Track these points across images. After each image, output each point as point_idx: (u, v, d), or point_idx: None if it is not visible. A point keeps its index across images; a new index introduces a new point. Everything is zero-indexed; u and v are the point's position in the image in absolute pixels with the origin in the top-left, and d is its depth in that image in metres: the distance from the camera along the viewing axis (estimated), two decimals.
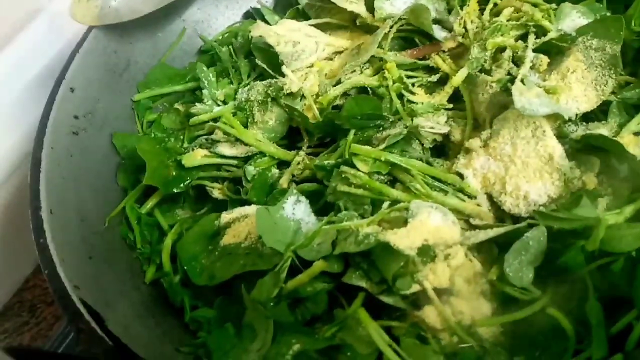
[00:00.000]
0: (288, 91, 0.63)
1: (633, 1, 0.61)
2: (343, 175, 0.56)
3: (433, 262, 0.50)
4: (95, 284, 0.54)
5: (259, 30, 0.68)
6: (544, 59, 0.58)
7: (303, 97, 0.64)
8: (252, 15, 0.81)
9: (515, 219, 0.54)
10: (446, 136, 0.61)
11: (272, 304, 0.51)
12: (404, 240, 0.49)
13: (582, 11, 0.60)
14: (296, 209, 0.56)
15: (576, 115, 0.56)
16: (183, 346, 0.54)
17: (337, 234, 0.53)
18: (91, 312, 0.48)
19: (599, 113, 0.58)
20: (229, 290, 0.57)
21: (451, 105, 0.61)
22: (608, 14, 0.61)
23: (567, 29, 0.59)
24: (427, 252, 0.50)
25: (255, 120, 0.64)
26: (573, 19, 0.60)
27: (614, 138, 0.53)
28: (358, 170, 0.55)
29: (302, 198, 0.57)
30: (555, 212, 0.50)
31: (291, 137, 0.67)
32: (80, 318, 0.47)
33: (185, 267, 0.59)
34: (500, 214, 0.55)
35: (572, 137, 0.54)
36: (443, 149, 0.62)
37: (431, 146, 0.60)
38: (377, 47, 0.64)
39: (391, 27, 0.65)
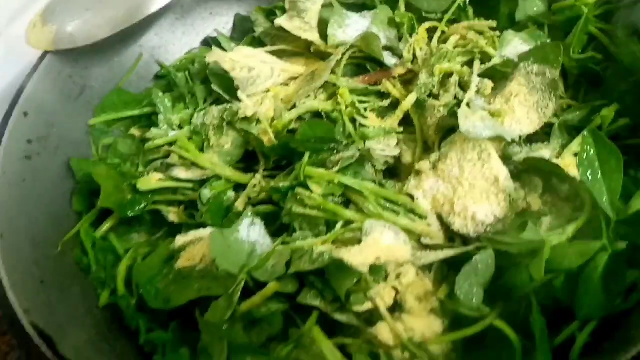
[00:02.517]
0: (243, 115, 0.64)
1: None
2: (298, 197, 0.57)
3: (385, 280, 0.52)
4: (47, 308, 0.53)
5: (214, 56, 0.69)
6: (489, 84, 0.61)
7: (258, 121, 0.65)
8: (210, 42, 0.82)
9: (465, 238, 0.56)
10: (398, 158, 0.63)
11: (226, 326, 0.52)
12: (357, 257, 0.50)
13: (524, 38, 0.63)
14: (251, 231, 0.57)
15: (520, 137, 0.58)
16: None
17: (292, 254, 0.54)
18: (42, 335, 0.48)
19: (543, 134, 0.60)
20: (186, 314, 0.57)
21: (402, 129, 0.63)
22: (548, 41, 0.64)
23: (510, 55, 0.62)
24: (379, 271, 0.52)
25: (211, 145, 0.65)
26: (515, 46, 0.63)
27: (556, 159, 0.56)
28: (312, 192, 0.57)
29: (257, 220, 0.57)
30: (502, 237, 0.52)
31: (248, 160, 0.67)
32: (31, 342, 0.47)
33: (140, 291, 0.59)
34: (451, 234, 0.57)
35: (515, 159, 0.56)
36: (395, 171, 0.64)
37: (383, 168, 0.62)
38: (331, 73, 0.66)
39: (344, 54, 0.67)
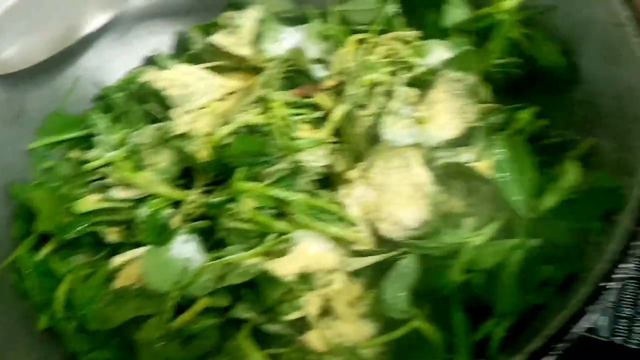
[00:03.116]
0: (175, 133, 0.65)
1: None
2: (230, 212, 0.59)
3: (314, 288, 0.53)
4: None
5: (148, 75, 0.71)
6: (413, 92, 0.63)
7: (194, 138, 0.67)
8: (150, 61, 0.83)
9: (393, 243, 0.58)
10: (331, 168, 0.65)
11: (162, 343, 0.53)
12: (284, 267, 0.52)
13: (447, 46, 0.66)
14: (185, 248, 0.58)
15: (444, 142, 0.61)
16: None
17: (223, 268, 0.55)
18: None
19: (468, 138, 0.63)
20: (125, 333, 0.58)
21: (334, 139, 0.65)
22: (470, 48, 0.66)
23: (433, 63, 0.65)
24: (307, 280, 0.53)
25: (147, 163, 0.66)
26: (439, 54, 0.65)
27: (475, 162, 0.58)
28: (245, 205, 0.58)
29: (192, 236, 0.59)
30: (424, 242, 0.54)
31: (189, 176, 0.69)
32: None
33: (79, 313, 0.59)
34: (380, 239, 0.59)
35: (437, 165, 0.58)
36: (329, 180, 0.66)
37: (317, 178, 0.64)
38: (265, 87, 0.68)
39: (276, 68, 0.68)
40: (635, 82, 0.52)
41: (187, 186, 0.67)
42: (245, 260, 0.54)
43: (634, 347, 0.69)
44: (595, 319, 0.72)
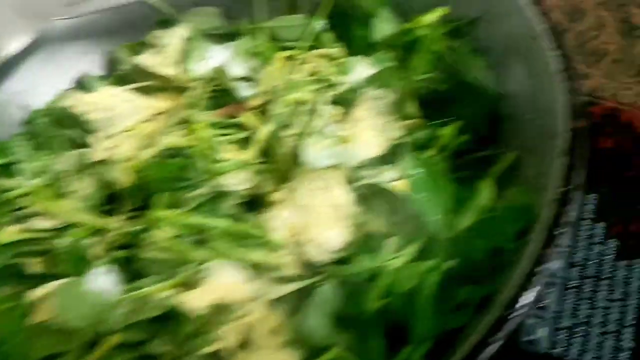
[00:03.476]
0: (93, 160, 0.63)
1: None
2: (148, 241, 0.57)
3: (229, 320, 0.52)
4: None
5: (70, 99, 0.69)
6: (337, 110, 0.62)
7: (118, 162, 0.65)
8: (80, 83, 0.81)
9: (318, 267, 0.57)
10: (257, 190, 0.64)
11: None
12: (196, 300, 0.50)
13: (369, 63, 0.65)
14: (103, 280, 0.56)
15: (367, 160, 0.60)
16: None
17: (138, 301, 0.53)
18: None
19: (392, 156, 0.62)
20: None
21: (259, 160, 0.64)
22: (392, 64, 0.65)
23: (357, 80, 0.64)
24: (223, 311, 0.52)
25: (69, 190, 0.64)
26: (361, 71, 0.64)
27: (396, 181, 0.57)
28: (162, 234, 0.57)
29: (110, 268, 0.57)
30: (344, 267, 0.53)
31: (119, 201, 0.67)
32: None
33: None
34: (305, 263, 0.58)
35: (359, 185, 0.57)
36: (256, 203, 0.64)
37: (243, 201, 0.63)
38: (189, 108, 0.66)
39: (201, 88, 0.67)
40: (550, 98, 0.52)
41: (114, 212, 0.66)
42: (159, 292, 0.53)
43: (573, 358, 0.69)
44: (536, 331, 0.72)
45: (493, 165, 0.59)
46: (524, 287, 0.41)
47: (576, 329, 0.71)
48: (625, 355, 0.68)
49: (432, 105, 0.65)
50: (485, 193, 0.51)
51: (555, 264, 0.41)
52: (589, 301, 0.73)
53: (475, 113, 0.63)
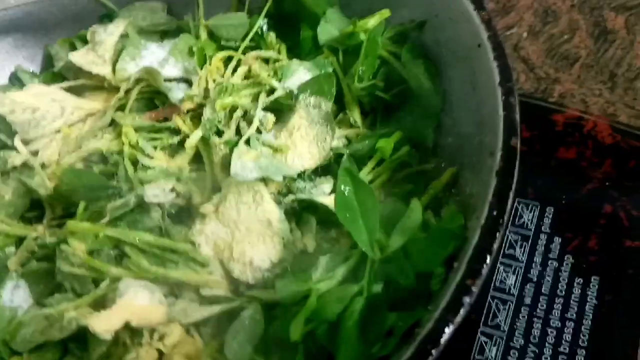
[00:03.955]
0: (12, 165, 0.59)
1: None
2: (65, 254, 0.53)
3: (143, 344, 0.48)
4: None
5: None
6: (270, 118, 0.58)
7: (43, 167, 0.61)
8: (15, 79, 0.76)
9: (246, 286, 0.54)
10: (188, 200, 0.60)
11: None
12: (104, 323, 0.47)
13: (308, 67, 0.61)
14: (15, 295, 0.53)
15: (302, 172, 0.56)
16: None
17: (47, 320, 0.50)
18: None
19: (334, 165, 0.58)
20: None
21: (189, 168, 0.60)
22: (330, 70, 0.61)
23: (293, 86, 0.60)
24: (137, 333, 0.48)
25: None
26: (299, 77, 0.60)
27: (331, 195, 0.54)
28: (77, 248, 0.53)
29: (22, 283, 0.54)
30: (269, 291, 0.50)
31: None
32: None
33: None
34: (235, 281, 0.54)
35: (287, 199, 0.54)
36: (189, 213, 0.61)
37: (172, 212, 0.59)
38: (117, 109, 0.62)
39: (131, 88, 0.63)
40: (490, 112, 0.48)
41: (40, 219, 0.62)
42: (68, 312, 0.49)
43: None
44: (486, 350, 0.69)
45: (434, 180, 0.56)
46: (443, 320, 0.38)
47: (529, 349, 0.68)
48: None
49: (375, 113, 0.62)
50: (415, 213, 0.47)
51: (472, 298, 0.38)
52: (542, 320, 0.70)
53: (419, 123, 0.60)
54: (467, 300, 0.39)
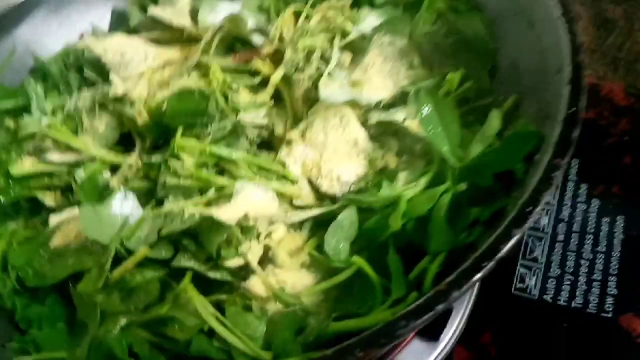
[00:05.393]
0: (114, 96, 0.65)
1: None
2: (171, 169, 0.59)
3: (256, 237, 0.54)
4: None
5: (85, 42, 0.70)
6: (347, 56, 0.65)
7: (132, 102, 0.67)
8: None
9: (333, 198, 0.60)
10: (271, 132, 0.66)
11: (101, 296, 0.53)
12: (226, 213, 0.52)
13: (379, 14, 0.69)
14: (124, 205, 0.58)
15: (378, 103, 0.63)
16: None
17: (164, 219, 0.55)
18: None
19: (402, 101, 0.65)
20: (64, 288, 0.57)
21: (272, 103, 0.67)
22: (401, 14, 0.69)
23: (366, 30, 0.67)
24: (249, 227, 0.54)
25: (85, 128, 0.66)
26: (371, 22, 0.68)
27: (407, 121, 0.61)
28: (186, 161, 0.59)
29: (130, 194, 0.59)
30: (362, 196, 0.56)
31: (129, 143, 0.69)
32: None
33: (18, 273, 0.58)
34: (320, 195, 0.61)
35: (371, 121, 0.61)
36: (269, 144, 0.67)
37: (258, 141, 0.65)
38: (203, 54, 0.69)
39: (214, 35, 0.70)
40: (553, 40, 0.56)
41: (126, 153, 0.68)
42: (186, 208, 0.54)
43: (561, 304, 0.73)
44: (526, 279, 0.76)
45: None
46: (540, 190, 0.45)
47: (564, 278, 0.76)
48: (610, 300, 0.73)
49: (437, 57, 0.69)
50: (493, 122, 0.54)
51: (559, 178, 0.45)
52: (576, 253, 0.78)
53: (474, 66, 0.67)
54: (557, 174, 0.46)
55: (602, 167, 0.85)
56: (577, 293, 0.74)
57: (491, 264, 0.43)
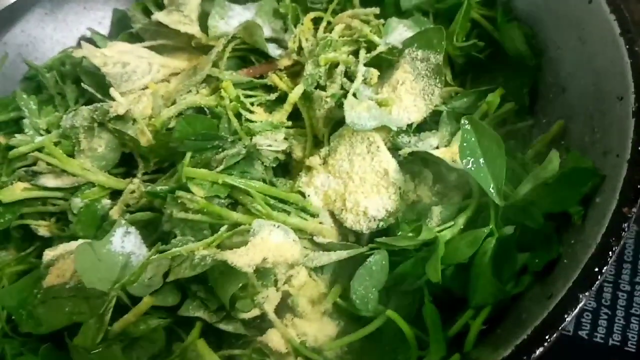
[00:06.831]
0: (115, 114, 0.58)
1: None
2: (179, 201, 0.52)
3: (274, 284, 0.48)
4: None
5: (83, 51, 0.64)
6: (375, 72, 0.59)
7: (135, 120, 0.60)
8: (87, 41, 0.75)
9: (358, 234, 0.54)
10: (288, 154, 0.60)
11: (100, 349, 0.47)
12: (243, 258, 0.46)
13: (408, 25, 0.62)
14: (125, 242, 0.52)
15: (409, 125, 0.57)
16: None
17: (171, 262, 0.49)
18: None
19: (432, 122, 0.59)
20: (58, 336, 0.51)
21: (290, 123, 0.60)
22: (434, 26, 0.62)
23: (395, 42, 0.60)
24: (267, 273, 0.48)
25: (82, 148, 0.59)
26: (400, 33, 0.61)
27: (445, 147, 0.55)
28: (194, 194, 0.52)
29: (132, 229, 0.53)
30: (395, 240, 0.50)
31: (128, 164, 0.63)
32: None
33: (11, 316, 0.52)
34: (344, 230, 0.55)
35: (403, 151, 0.54)
36: (286, 167, 0.61)
37: (274, 165, 0.59)
38: (213, 67, 0.62)
39: (225, 45, 0.63)
40: (609, 61, 0.50)
41: (125, 175, 0.61)
42: (196, 251, 0.48)
43: (598, 341, 0.68)
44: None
45: (535, 134, 0.57)
46: (608, 244, 0.39)
47: (600, 312, 0.70)
48: None
49: (471, 73, 0.63)
50: (553, 163, 0.47)
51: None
52: (612, 285, 0.72)
53: (513, 83, 0.61)
54: (625, 225, 0.40)
55: None
56: (615, 329, 0.69)
57: (555, 336, 0.37)
